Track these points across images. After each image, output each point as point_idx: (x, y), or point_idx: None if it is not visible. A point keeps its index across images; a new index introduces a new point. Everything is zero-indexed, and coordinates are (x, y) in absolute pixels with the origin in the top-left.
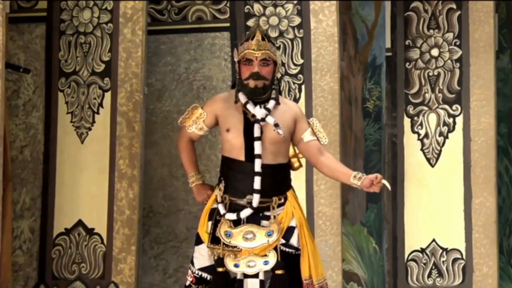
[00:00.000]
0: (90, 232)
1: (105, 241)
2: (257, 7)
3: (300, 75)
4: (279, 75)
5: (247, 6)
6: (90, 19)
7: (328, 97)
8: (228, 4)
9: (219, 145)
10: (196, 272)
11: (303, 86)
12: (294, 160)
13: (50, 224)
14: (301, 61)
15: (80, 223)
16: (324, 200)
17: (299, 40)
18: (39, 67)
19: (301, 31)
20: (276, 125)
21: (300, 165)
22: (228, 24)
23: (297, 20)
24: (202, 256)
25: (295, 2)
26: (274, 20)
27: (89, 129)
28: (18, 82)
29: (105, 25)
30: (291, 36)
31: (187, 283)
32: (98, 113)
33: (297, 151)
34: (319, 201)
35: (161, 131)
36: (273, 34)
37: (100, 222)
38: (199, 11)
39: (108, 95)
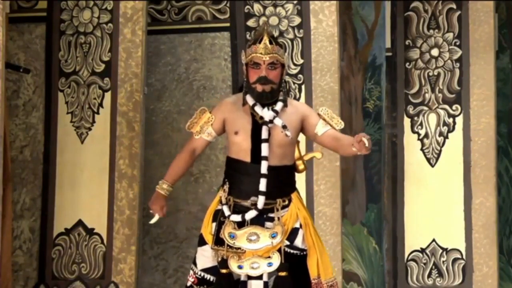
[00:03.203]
0: (90, 232)
1: (105, 241)
2: (257, 7)
3: (300, 75)
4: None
5: (247, 6)
6: (90, 19)
7: (328, 97)
8: (228, 4)
9: (219, 145)
10: (199, 273)
11: (303, 86)
12: (299, 162)
13: (50, 224)
14: (301, 61)
15: (80, 223)
16: (324, 200)
17: (299, 40)
18: (39, 67)
19: (301, 31)
20: (284, 127)
21: (305, 168)
22: (228, 24)
23: (297, 20)
24: (205, 257)
25: (295, 2)
26: (274, 20)
27: (89, 129)
28: (18, 82)
29: (105, 25)
30: (291, 36)
31: (188, 283)
32: (98, 113)
33: (302, 154)
34: (319, 201)
35: (161, 131)
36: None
37: (100, 222)
38: (199, 11)
39: (108, 95)
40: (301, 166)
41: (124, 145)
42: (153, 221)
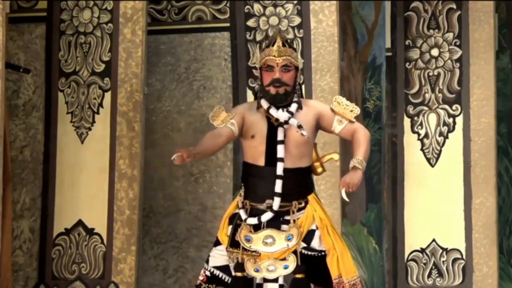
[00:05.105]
0: (90, 232)
1: (105, 241)
2: (257, 7)
3: (300, 75)
4: (301, 80)
5: (247, 6)
6: (90, 19)
7: (328, 97)
8: (228, 4)
9: None
10: (209, 269)
11: (303, 86)
12: (317, 164)
13: (50, 224)
14: (301, 61)
15: (80, 223)
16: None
17: (299, 40)
18: (39, 67)
19: (301, 31)
20: (300, 126)
21: (324, 170)
22: (228, 24)
23: (297, 20)
24: (219, 256)
25: (295, 2)
26: (274, 20)
27: (89, 129)
28: (18, 82)
29: (105, 25)
30: (291, 36)
31: (198, 282)
32: (98, 113)
33: (320, 156)
34: None
35: (161, 131)
36: None
37: (100, 222)
38: (199, 11)
39: (108, 95)
40: (319, 169)
41: (124, 145)
42: (174, 156)
